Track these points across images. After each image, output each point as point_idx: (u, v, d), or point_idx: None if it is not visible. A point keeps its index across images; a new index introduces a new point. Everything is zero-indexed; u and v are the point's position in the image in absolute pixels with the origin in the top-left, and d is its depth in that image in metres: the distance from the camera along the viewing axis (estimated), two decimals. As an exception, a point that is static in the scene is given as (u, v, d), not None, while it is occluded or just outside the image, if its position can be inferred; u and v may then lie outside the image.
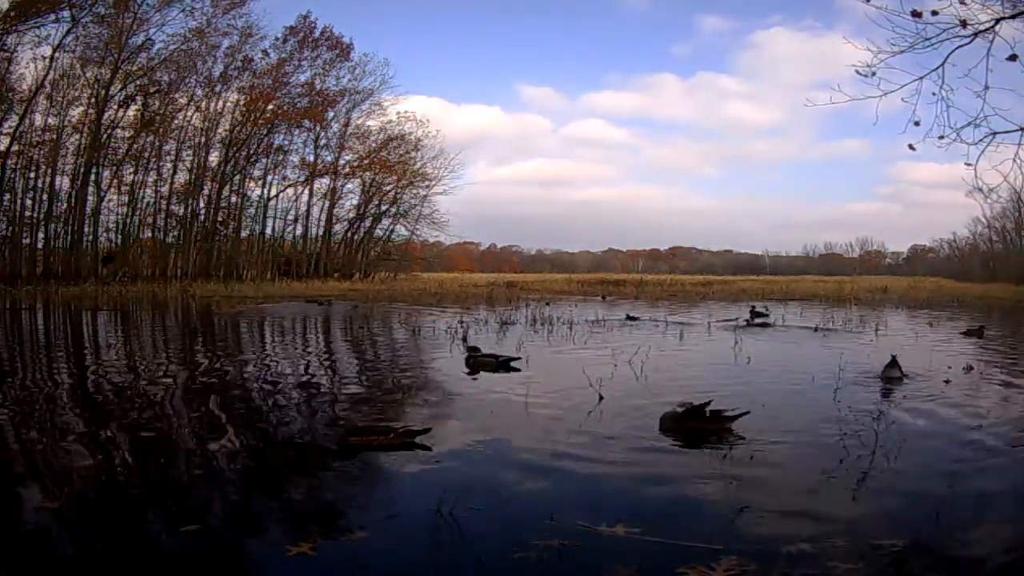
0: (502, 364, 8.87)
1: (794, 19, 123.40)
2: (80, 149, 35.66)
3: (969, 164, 6.86)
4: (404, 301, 26.96)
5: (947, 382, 7.97)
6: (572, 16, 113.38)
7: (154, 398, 7.11)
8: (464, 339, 12.10)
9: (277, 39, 41.31)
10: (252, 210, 43.56)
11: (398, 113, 45.27)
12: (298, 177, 44.38)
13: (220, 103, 40.02)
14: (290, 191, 44.58)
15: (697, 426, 5.48)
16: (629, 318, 16.99)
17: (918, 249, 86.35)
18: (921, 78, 6.80)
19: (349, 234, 47.77)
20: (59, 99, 34.73)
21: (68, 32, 33.26)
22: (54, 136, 35.00)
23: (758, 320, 17.14)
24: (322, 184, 45.50)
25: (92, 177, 36.18)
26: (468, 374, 8.73)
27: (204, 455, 5.12)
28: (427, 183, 46.88)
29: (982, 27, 6.56)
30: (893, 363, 8.30)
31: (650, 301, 28.08)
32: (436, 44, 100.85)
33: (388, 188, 47.03)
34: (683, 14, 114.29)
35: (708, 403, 5.58)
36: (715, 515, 3.80)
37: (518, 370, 8.75)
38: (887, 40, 6.70)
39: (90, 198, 36.42)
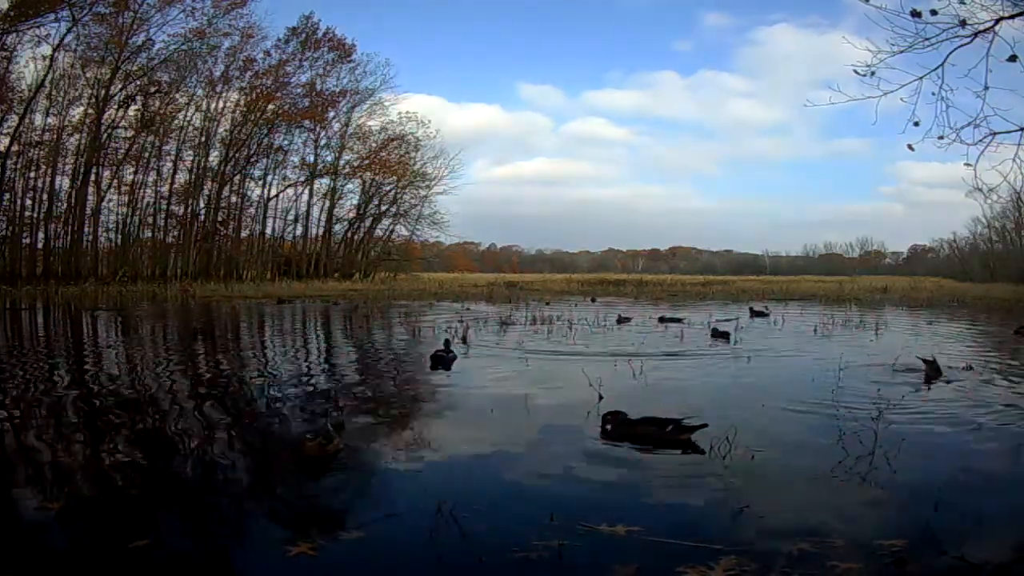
0: (439, 359, 9.32)
1: (797, 16, 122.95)
2: (80, 149, 35.71)
3: (969, 164, 6.89)
4: (405, 300, 26.95)
5: (949, 382, 7.98)
6: (573, 13, 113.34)
7: (151, 397, 7.10)
8: (464, 339, 12.11)
9: (279, 39, 41.44)
10: (252, 210, 43.67)
11: (399, 113, 45.43)
12: (298, 177, 44.51)
13: (220, 103, 40.14)
14: (290, 191, 44.75)
15: (649, 433, 5.35)
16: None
17: (918, 249, 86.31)
18: (921, 78, 6.82)
19: (349, 234, 47.83)
20: (59, 99, 34.83)
21: (68, 32, 33.37)
22: (54, 136, 35.04)
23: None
24: (322, 184, 45.63)
25: (92, 177, 36.21)
26: (432, 368, 9.02)
27: (202, 455, 5.11)
28: (427, 183, 47.03)
29: (982, 27, 6.57)
30: (933, 365, 8.39)
31: (650, 300, 28.08)
32: (436, 43, 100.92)
33: (388, 188, 47.12)
34: (685, 10, 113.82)
35: (647, 417, 5.42)
36: (715, 515, 3.80)
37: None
38: (887, 40, 6.72)
39: (90, 198, 36.46)
